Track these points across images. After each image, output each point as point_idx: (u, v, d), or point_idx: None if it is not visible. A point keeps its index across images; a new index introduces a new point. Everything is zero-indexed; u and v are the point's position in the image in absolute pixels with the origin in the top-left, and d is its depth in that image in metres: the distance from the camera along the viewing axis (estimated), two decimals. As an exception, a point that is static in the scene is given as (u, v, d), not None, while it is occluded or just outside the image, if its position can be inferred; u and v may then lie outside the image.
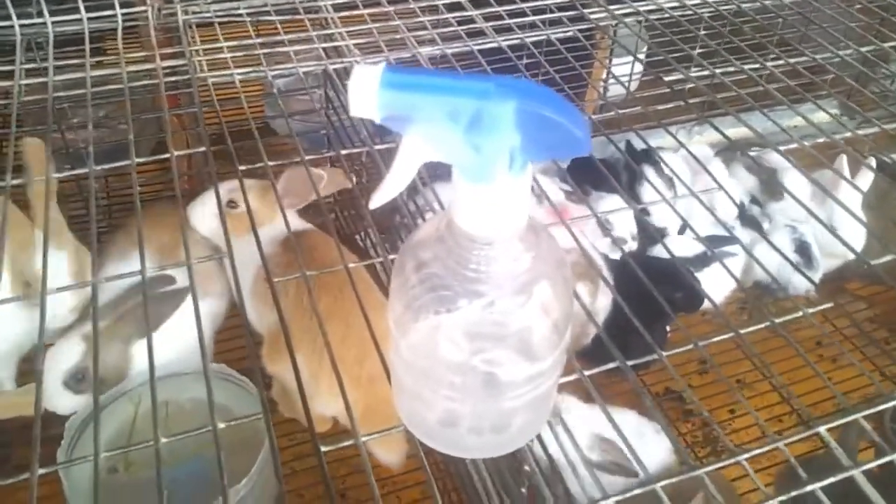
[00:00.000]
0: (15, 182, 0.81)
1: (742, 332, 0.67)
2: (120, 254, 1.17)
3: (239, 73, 1.00)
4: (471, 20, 1.13)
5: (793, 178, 1.28)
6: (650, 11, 1.20)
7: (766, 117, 0.97)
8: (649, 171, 1.32)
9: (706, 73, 1.07)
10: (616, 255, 1.29)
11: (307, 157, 0.91)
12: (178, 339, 1.05)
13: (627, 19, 1.19)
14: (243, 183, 0.85)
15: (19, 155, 0.92)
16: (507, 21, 1.14)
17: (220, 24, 1.10)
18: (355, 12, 1.14)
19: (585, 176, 1.33)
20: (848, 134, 0.94)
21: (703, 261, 1.27)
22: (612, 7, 1.19)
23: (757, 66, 1.06)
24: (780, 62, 1.07)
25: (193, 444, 1.06)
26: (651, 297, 0.74)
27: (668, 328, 1.35)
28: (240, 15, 1.13)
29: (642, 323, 0.69)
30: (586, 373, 0.63)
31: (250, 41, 1.05)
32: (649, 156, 1.26)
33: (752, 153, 1.17)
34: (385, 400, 0.92)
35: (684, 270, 0.81)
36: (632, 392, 1.18)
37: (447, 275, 0.46)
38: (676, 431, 1.46)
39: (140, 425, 1.11)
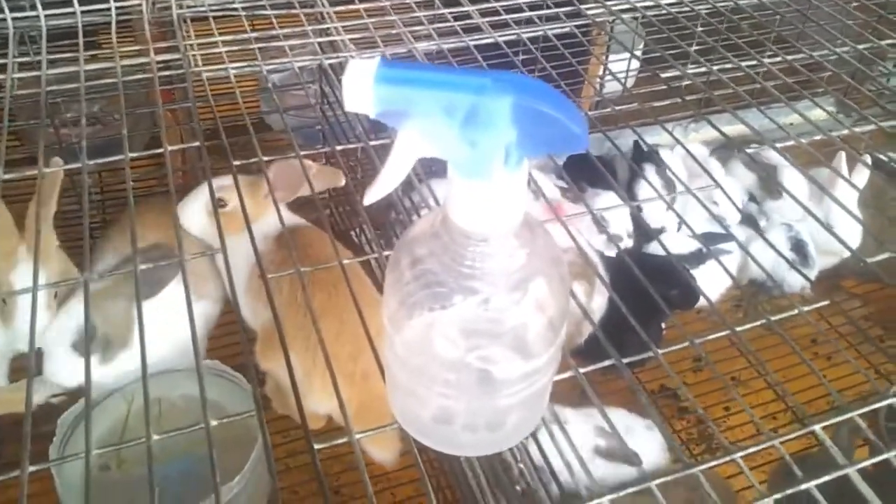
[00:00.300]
0: (7, 177, 0.81)
1: (738, 329, 0.66)
2: (114, 250, 1.17)
3: (234, 68, 0.99)
4: (467, 15, 1.13)
5: (790, 176, 1.28)
6: (647, 7, 1.19)
7: (762, 114, 0.97)
8: (648, 170, 1.32)
9: (703, 69, 1.07)
10: (612, 253, 1.29)
11: (302, 153, 0.91)
12: (170, 335, 1.05)
13: (624, 15, 1.18)
14: (237, 178, 0.85)
15: (12, 149, 0.91)
16: (504, 16, 1.13)
17: (214, 18, 1.09)
18: (351, 7, 1.14)
19: (581, 173, 1.33)
20: (845, 131, 0.94)
21: (698, 258, 1.27)
22: (608, 3, 1.18)
23: (754, 63, 1.06)
24: (778, 59, 1.07)
25: (186, 441, 1.06)
26: (646, 294, 0.73)
27: (663, 326, 1.35)
28: (234, 9, 1.13)
29: (638, 320, 0.68)
30: (581, 370, 0.62)
31: (245, 35, 1.05)
32: (649, 154, 1.26)
33: (749, 150, 1.17)
34: (379, 397, 0.92)
35: (680, 268, 0.81)
36: (627, 390, 1.18)
37: (442, 271, 0.45)
38: (671, 429, 1.46)
39: (132, 423, 1.11)
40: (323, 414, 1.02)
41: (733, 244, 1.11)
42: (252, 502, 1.06)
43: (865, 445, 0.54)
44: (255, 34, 1.05)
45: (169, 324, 0.98)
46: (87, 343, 0.68)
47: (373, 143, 0.90)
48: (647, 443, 1.13)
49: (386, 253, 0.73)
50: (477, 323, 0.47)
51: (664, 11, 1.18)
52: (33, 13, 1.05)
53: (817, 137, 0.92)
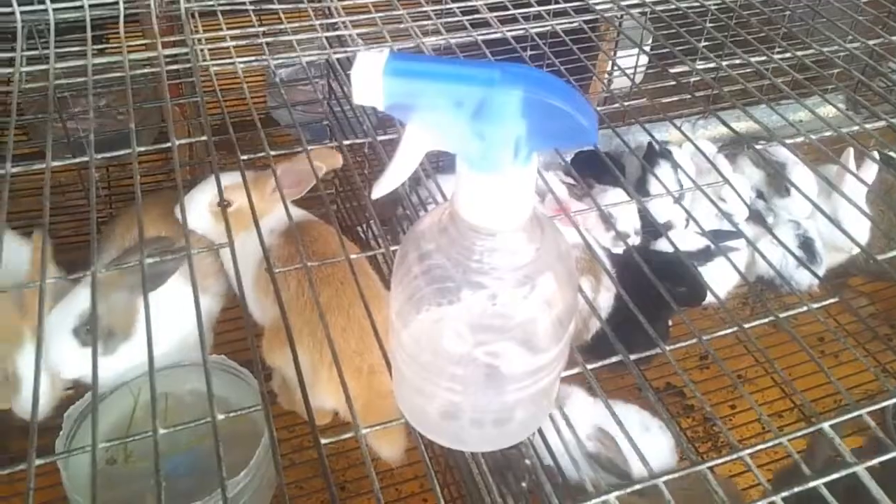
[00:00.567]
0: (14, 170, 0.81)
1: (746, 326, 0.66)
2: (116, 244, 1.17)
3: (241, 63, 0.99)
4: (475, 10, 1.12)
5: (799, 173, 1.27)
6: (656, 3, 1.18)
7: (772, 110, 0.97)
8: (659, 167, 1.32)
9: (712, 65, 1.06)
10: (619, 250, 1.28)
11: (309, 148, 0.90)
12: (170, 330, 1.05)
13: (633, 10, 1.18)
14: (245, 175, 0.85)
15: (20, 143, 0.91)
16: (512, 11, 1.13)
17: (222, 12, 1.09)
18: (359, 1, 1.13)
19: (589, 169, 1.32)
20: (854, 128, 0.93)
21: (706, 255, 1.26)
22: (617, -2, 1.18)
23: (763, 58, 1.05)
24: (787, 55, 1.06)
25: (192, 435, 1.07)
26: (653, 290, 0.73)
27: (669, 322, 1.35)
28: (242, 3, 1.13)
29: (644, 317, 0.68)
30: (589, 367, 0.62)
31: (253, 30, 1.04)
32: (662, 153, 1.26)
33: (758, 147, 1.16)
34: (385, 393, 0.92)
35: (688, 264, 0.81)
36: (633, 387, 1.18)
37: (450, 266, 0.45)
38: (677, 426, 1.46)
39: (139, 416, 1.11)
40: (329, 409, 1.02)
41: (741, 241, 1.11)
42: (258, 497, 1.06)
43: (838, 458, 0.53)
44: (262, 29, 1.05)
45: (169, 318, 0.98)
46: (95, 334, 0.68)
47: (380, 138, 0.90)
48: (659, 443, 1.13)
49: (393, 248, 0.73)
50: (484, 318, 0.47)
51: (673, 7, 1.17)
52: (41, 7, 1.05)
53: (826, 134, 0.91)
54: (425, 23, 1.09)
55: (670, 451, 1.14)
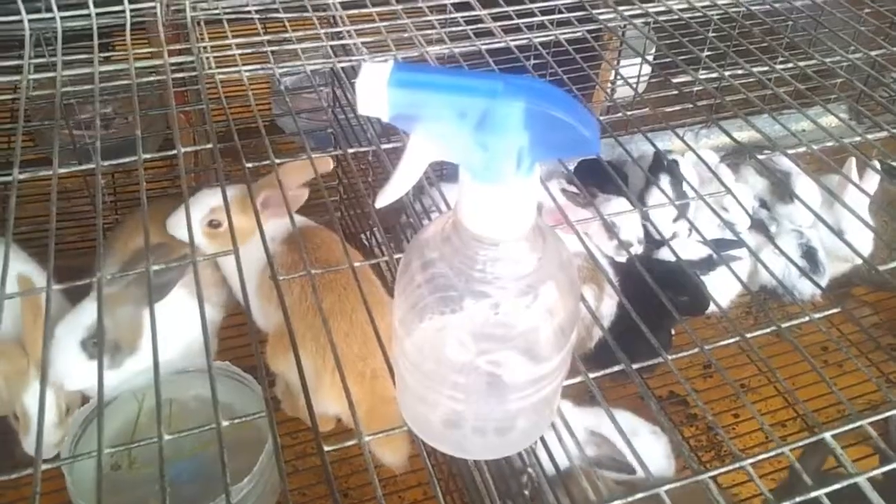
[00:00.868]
0: (22, 176, 0.81)
1: (748, 335, 0.66)
2: (118, 253, 1.17)
3: (246, 71, 1.00)
4: (479, 20, 1.13)
5: (802, 183, 1.28)
6: (659, 13, 1.19)
7: (774, 120, 0.97)
8: (663, 178, 1.32)
9: (715, 75, 1.06)
10: (622, 258, 1.28)
11: (314, 156, 0.91)
12: (173, 339, 1.05)
13: (636, 20, 1.18)
14: (249, 183, 0.85)
15: (26, 149, 0.92)
16: (516, 21, 1.14)
17: (228, 20, 1.10)
18: (363, 10, 1.14)
19: (592, 178, 1.33)
20: (857, 138, 0.93)
21: (709, 264, 1.27)
22: (620, 8, 1.18)
23: (766, 68, 1.05)
24: (790, 65, 1.07)
25: (196, 441, 1.07)
26: (656, 299, 0.73)
27: (672, 332, 1.35)
28: (248, 12, 1.13)
29: (647, 326, 0.68)
30: (591, 375, 0.62)
31: (258, 38, 1.05)
32: (669, 165, 1.26)
33: (760, 157, 1.17)
34: (388, 398, 0.92)
35: (690, 273, 0.81)
36: (635, 396, 1.18)
37: (453, 275, 0.46)
38: (679, 435, 1.46)
39: (144, 422, 1.12)
40: (332, 415, 1.02)
41: (744, 250, 1.11)
42: (262, 503, 1.06)
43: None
44: (267, 37, 1.06)
45: (172, 328, 0.99)
46: (101, 342, 0.68)
47: (384, 146, 0.90)
48: (651, 449, 1.13)
49: (396, 256, 0.73)
50: (487, 327, 0.47)
51: (676, 17, 1.18)
52: (49, 15, 1.06)
53: (828, 144, 0.92)
54: (429, 32, 1.10)
55: (665, 457, 1.14)
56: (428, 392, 0.51)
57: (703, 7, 1.19)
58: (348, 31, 1.08)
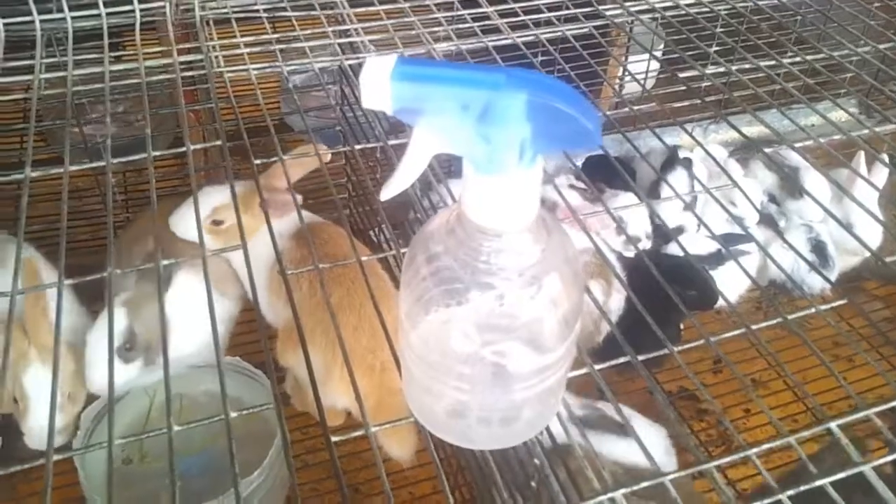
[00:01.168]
0: (34, 174, 0.82)
1: (754, 327, 0.66)
2: (127, 252, 1.19)
3: (255, 69, 1.00)
4: (486, 17, 1.13)
5: (812, 177, 1.27)
6: (666, 8, 1.19)
7: (783, 115, 0.97)
8: (674, 173, 1.32)
9: (723, 70, 1.06)
10: (630, 254, 1.29)
11: (322, 152, 0.92)
12: (198, 333, 1.06)
13: (643, 16, 1.18)
14: (258, 178, 0.86)
15: (38, 148, 0.93)
16: (523, 17, 1.14)
17: (236, 20, 1.11)
18: (371, 8, 1.15)
19: (601, 173, 1.33)
20: (865, 132, 0.93)
21: (717, 259, 1.27)
22: (627, 4, 1.18)
23: (774, 63, 1.05)
24: (798, 59, 1.06)
25: (207, 436, 1.08)
26: (664, 294, 0.73)
27: (681, 326, 1.35)
28: (256, 11, 1.14)
29: (655, 321, 0.68)
30: (596, 367, 0.63)
31: (266, 37, 1.06)
32: (684, 161, 1.25)
33: (768, 151, 1.16)
34: (397, 391, 0.92)
35: (699, 268, 0.81)
36: (644, 390, 1.18)
37: (458, 267, 0.46)
38: (689, 429, 1.46)
39: (155, 416, 1.13)
40: (342, 408, 1.03)
41: (752, 245, 1.10)
42: (271, 497, 1.07)
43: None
44: (276, 36, 1.07)
45: (194, 322, 0.99)
46: (111, 338, 0.69)
47: (392, 142, 0.91)
48: (647, 443, 1.12)
49: (403, 250, 0.74)
50: (492, 318, 0.48)
51: (683, 12, 1.18)
52: (60, 15, 1.07)
53: (836, 138, 0.92)
54: (436, 29, 1.10)
55: (664, 452, 1.13)
56: (433, 383, 0.51)
57: (711, 2, 1.19)
58: (356, 29, 1.09)
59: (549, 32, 1.12)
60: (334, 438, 0.56)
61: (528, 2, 1.18)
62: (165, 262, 0.70)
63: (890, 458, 0.54)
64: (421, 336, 0.50)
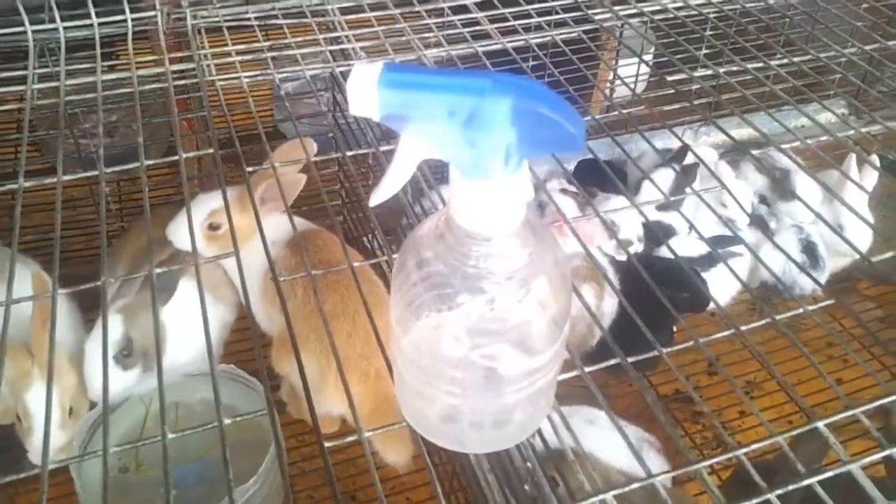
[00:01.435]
0: (28, 184, 0.83)
1: (743, 328, 0.67)
2: (126, 259, 1.19)
3: (247, 77, 1.01)
4: (476, 22, 1.14)
5: (802, 179, 1.28)
6: (655, 12, 1.20)
7: (771, 118, 0.97)
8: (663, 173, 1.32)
9: (711, 73, 1.07)
10: (623, 257, 1.29)
11: (314, 159, 0.92)
12: (195, 340, 1.06)
13: (632, 20, 1.19)
14: (250, 185, 0.86)
15: (31, 158, 0.93)
16: (512, 23, 1.14)
17: (228, 28, 1.11)
18: (361, 16, 1.15)
19: (592, 177, 1.33)
20: (851, 132, 0.94)
21: (709, 261, 1.27)
22: (616, 8, 1.19)
23: (762, 65, 1.06)
24: (786, 62, 1.07)
25: (202, 444, 1.09)
26: (656, 297, 0.74)
27: (674, 329, 1.36)
28: (248, 19, 1.15)
29: (648, 323, 0.69)
30: (587, 369, 0.63)
31: (258, 45, 1.07)
32: (687, 168, 1.26)
33: (756, 153, 1.17)
34: (391, 399, 0.93)
35: (690, 271, 0.82)
36: (637, 394, 1.18)
37: (448, 272, 0.46)
38: (683, 431, 1.46)
39: (150, 426, 1.13)
40: (337, 415, 1.03)
41: (743, 247, 1.11)
42: (267, 504, 1.07)
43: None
44: (267, 44, 1.07)
45: (191, 330, 1.00)
46: (105, 347, 0.69)
47: (384, 148, 0.91)
48: (612, 441, 1.10)
49: (395, 256, 0.74)
50: (482, 322, 0.48)
51: (672, 16, 1.19)
52: (52, 26, 1.07)
53: (824, 139, 0.92)
54: (427, 35, 1.11)
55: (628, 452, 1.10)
56: (425, 387, 0.52)
57: (699, 5, 1.20)
58: (347, 36, 1.10)
59: (539, 37, 1.13)
60: (328, 445, 0.57)
61: (518, 7, 1.19)
62: (159, 270, 0.71)
63: (877, 456, 0.54)
64: (412, 341, 0.50)
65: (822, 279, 1.38)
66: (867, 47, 1.08)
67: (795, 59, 1.06)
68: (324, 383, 0.98)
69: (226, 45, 1.07)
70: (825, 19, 1.21)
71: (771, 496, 0.50)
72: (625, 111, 1.01)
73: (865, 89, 1.07)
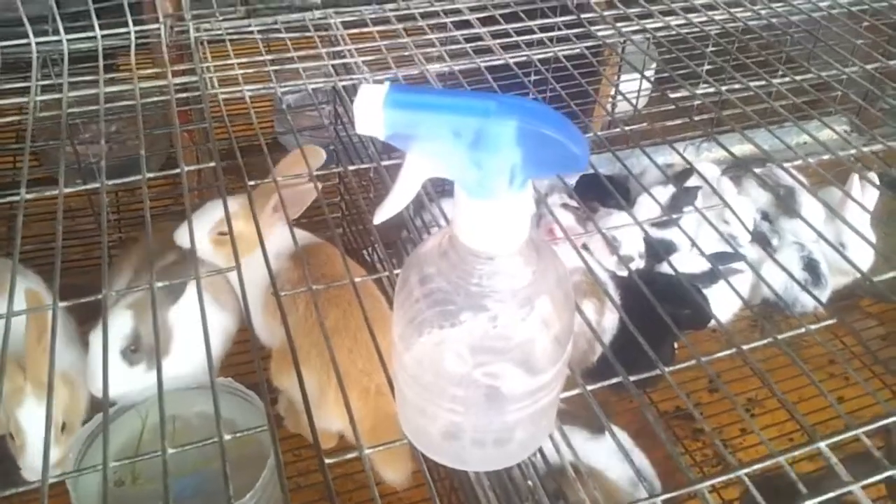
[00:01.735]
0: (29, 196, 0.82)
1: (745, 347, 0.67)
2: (131, 267, 1.19)
3: (249, 90, 1.01)
4: (478, 37, 1.14)
5: (806, 195, 1.28)
6: (657, 28, 1.20)
7: (772, 135, 0.98)
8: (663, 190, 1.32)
9: (713, 90, 1.07)
10: (624, 273, 1.29)
11: (315, 173, 0.92)
12: (195, 351, 1.06)
13: (634, 36, 1.19)
14: (252, 198, 0.86)
15: (32, 169, 0.93)
16: (515, 38, 1.15)
17: (230, 41, 1.12)
18: (364, 30, 1.16)
19: (594, 192, 1.33)
20: (855, 151, 0.94)
21: (711, 277, 1.27)
22: (619, 24, 1.20)
23: (764, 83, 1.06)
24: (787, 79, 1.08)
25: (199, 458, 1.08)
26: (658, 313, 0.74)
27: (675, 345, 1.35)
28: (250, 32, 1.15)
29: (649, 340, 0.69)
30: (588, 387, 0.63)
31: (260, 58, 1.07)
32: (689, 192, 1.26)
33: (758, 170, 1.17)
34: (392, 416, 0.92)
35: (691, 287, 0.81)
36: (637, 410, 1.17)
37: (451, 289, 0.46)
38: (683, 449, 1.45)
39: (147, 439, 1.12)
40: (336, 431, 1.02)
41: (744, 263, 1.11)
42: (264, 520, 1.06)
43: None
44: (270, 56, 1.07)
45: (196, 341, 0.99)
46: (106, 354, 0.69)
47: (385, 163, 0.91)
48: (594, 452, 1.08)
49: (397, 271, 0.74)
50: (485, 340, 0.48)
51: (674, 32, 1.19)
52: (56, 38, 1.08)
53: (825, 157, 0.92)
54: (429, 50, 1.11)
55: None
56: (427, 405, 0.52)
57: (701, 23, 1.20)
58: (349, 51, 1.10)
59: (542, 53, 1.13)
60: (328, 460, 0.56)
61: (521, 23, 1.19)
62: (159, 283, 0.71)
63: (877, 477, 0.54)
64: (414, 358, 0.50)
65: (824, 297, 1.38)
66: (868, 66, 1.09)
67: (797, 77, 1.06)
68: (323, 399, 0.97)
69: (228, 57, 1.07)
70: (826, 37, 1.22)
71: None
72: (626, 127, 1.01)
73: (866, 107, 1.07)
